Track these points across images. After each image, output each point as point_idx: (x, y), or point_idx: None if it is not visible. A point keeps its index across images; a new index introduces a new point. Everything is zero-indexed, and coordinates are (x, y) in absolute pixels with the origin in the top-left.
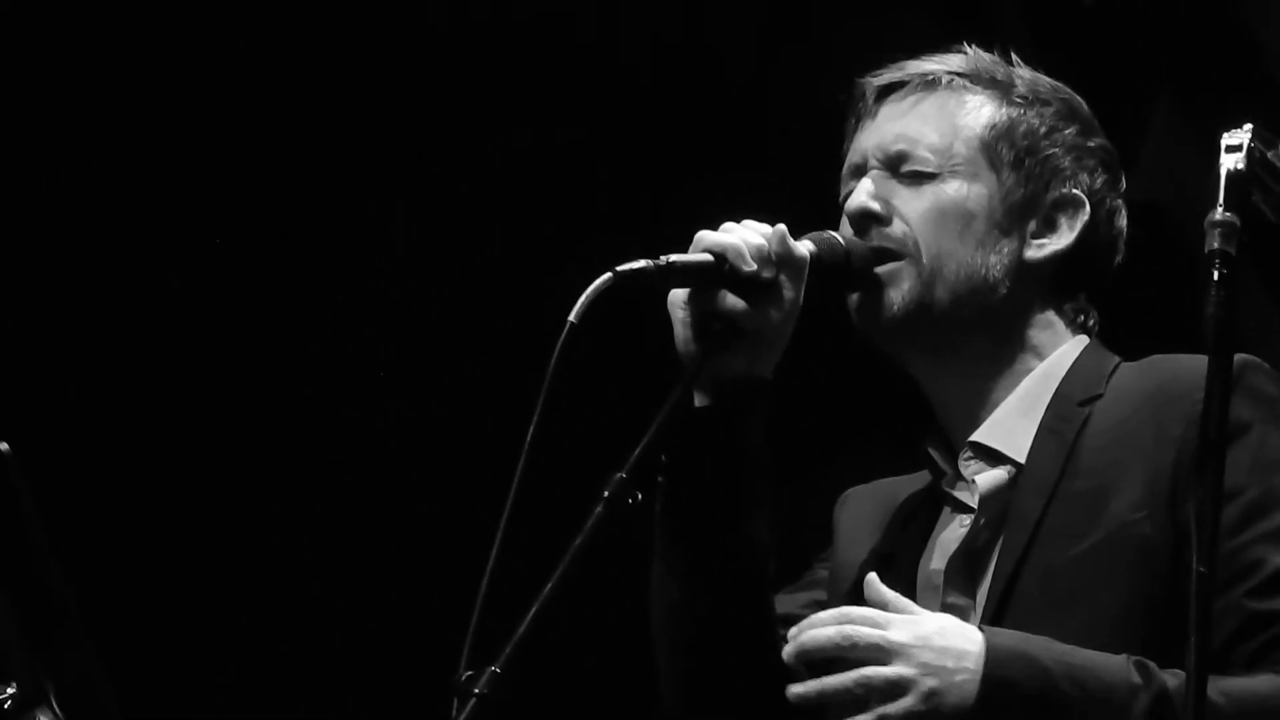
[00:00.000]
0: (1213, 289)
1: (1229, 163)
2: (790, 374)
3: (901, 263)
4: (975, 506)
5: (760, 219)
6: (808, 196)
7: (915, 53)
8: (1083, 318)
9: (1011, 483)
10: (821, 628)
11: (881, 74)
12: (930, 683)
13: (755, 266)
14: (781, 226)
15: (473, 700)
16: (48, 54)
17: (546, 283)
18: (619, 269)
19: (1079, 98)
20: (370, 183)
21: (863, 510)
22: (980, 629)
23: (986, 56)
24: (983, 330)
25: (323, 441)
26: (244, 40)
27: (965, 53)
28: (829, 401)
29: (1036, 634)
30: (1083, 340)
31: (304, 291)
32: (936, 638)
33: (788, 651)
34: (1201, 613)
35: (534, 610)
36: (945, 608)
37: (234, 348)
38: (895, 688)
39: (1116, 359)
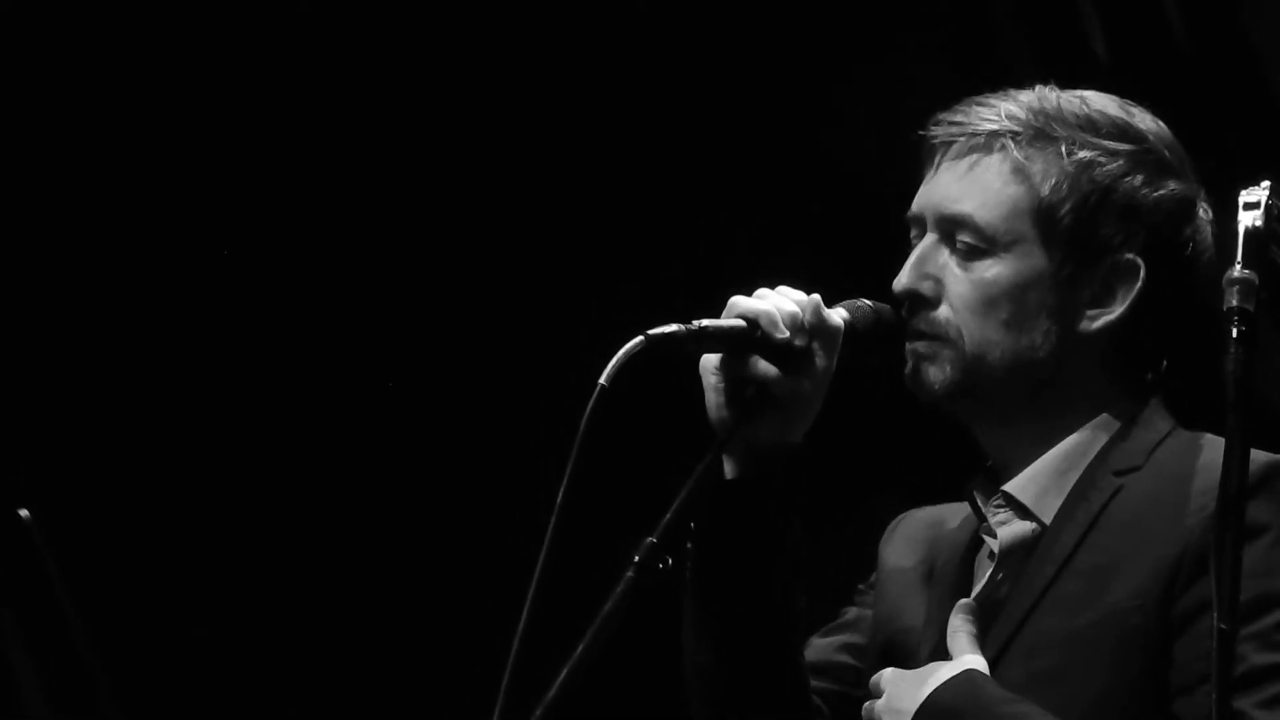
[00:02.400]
0: (1231, 346)
1: (1247, 220)
2: (838, 408)
3: (943, 345)
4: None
5: (795, 283)
6: (844, 256)
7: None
8: (1135, 380)
9: (1034, 542)
10: None
11: (948, 122)
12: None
13: (788, 334)
14: (816, 296)
15: None
16: (46, 57)
17: (584, 336)
18: (650, 332)
19: (1153, 127)
20: (409, 213)
21: (910, 544)
22: (938, 685)
23: (1053, 98)
24: (1025, 399)
25: (361, 495)
26: (253, 49)
27: (1031, 95)
28: (877, 438)
29: (1051, 651)
30: (1140, 405)
31: (357, 331)
32: (894, 695)
33: None
34: (1222, 670)
35: (564, 674)
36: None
37: (265, 367)
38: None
39: (1169, 427)
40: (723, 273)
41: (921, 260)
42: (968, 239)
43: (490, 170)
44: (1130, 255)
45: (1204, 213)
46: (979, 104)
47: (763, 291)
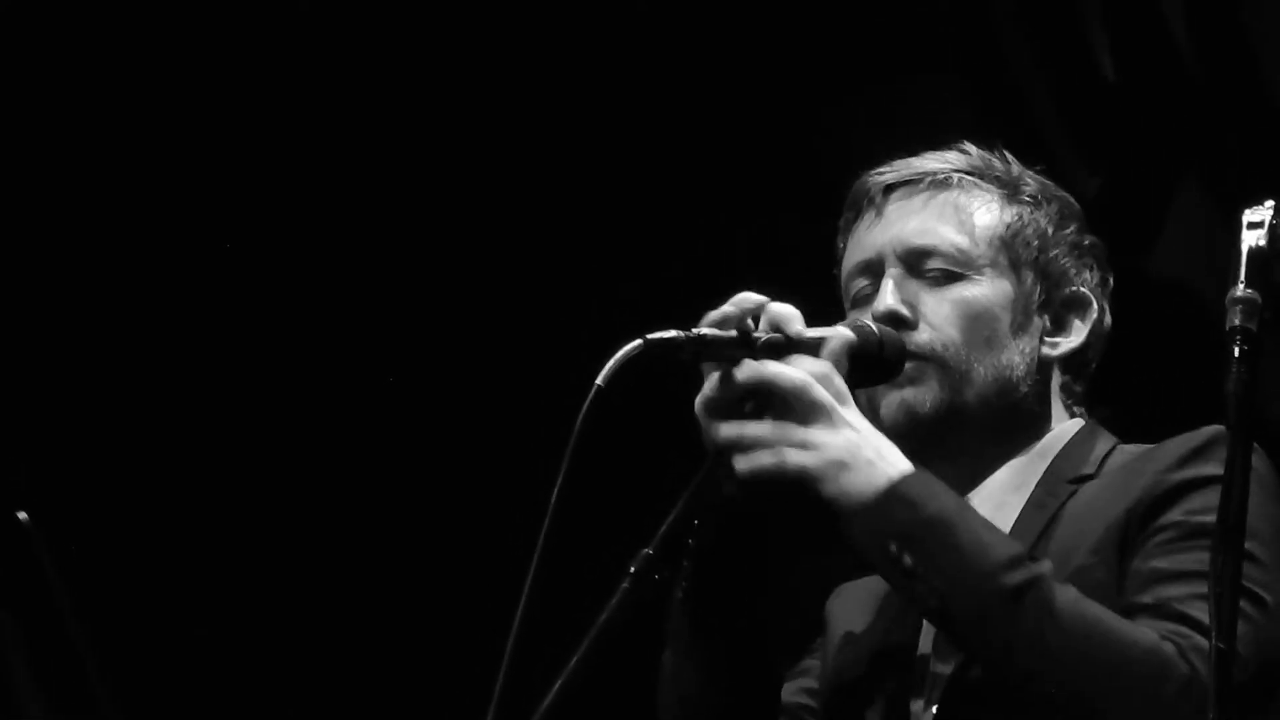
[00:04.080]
0: (1233, 365)
1: (1250, 239)
2: None
3: (929, 365)
4: None
5: (794, 290)
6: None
7: (931, 141)
8: (1075, 400)
9: None
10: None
11: (887, 172)
12: (843, 456)
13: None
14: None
15: None
16: (45, 57)
17: (584, 336)
18: (649, 336)
19: (1069, 195)
20: (409, 213)
21: (856, 597)
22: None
23: (985, 154)
24: (1000, 421)
25: (358, 495)
26: (252, 48)
27: (966, 152)
28: None
29: (993, 703)
30: (1079, 422)
31: (359, 339)
32: (874, 435)
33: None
34: (1220, 688)
35: (557, 687)
36: (931, 676)
37: (272, 375)
38: (809, 446)
39: (1114, 441)
40: (724, 274)
41: (897, 288)
42: (939, 265)
43: (490, 171)
44: (1083, 289)
45: (1111, 281)
46: (916, 158)
47: (776, 304)
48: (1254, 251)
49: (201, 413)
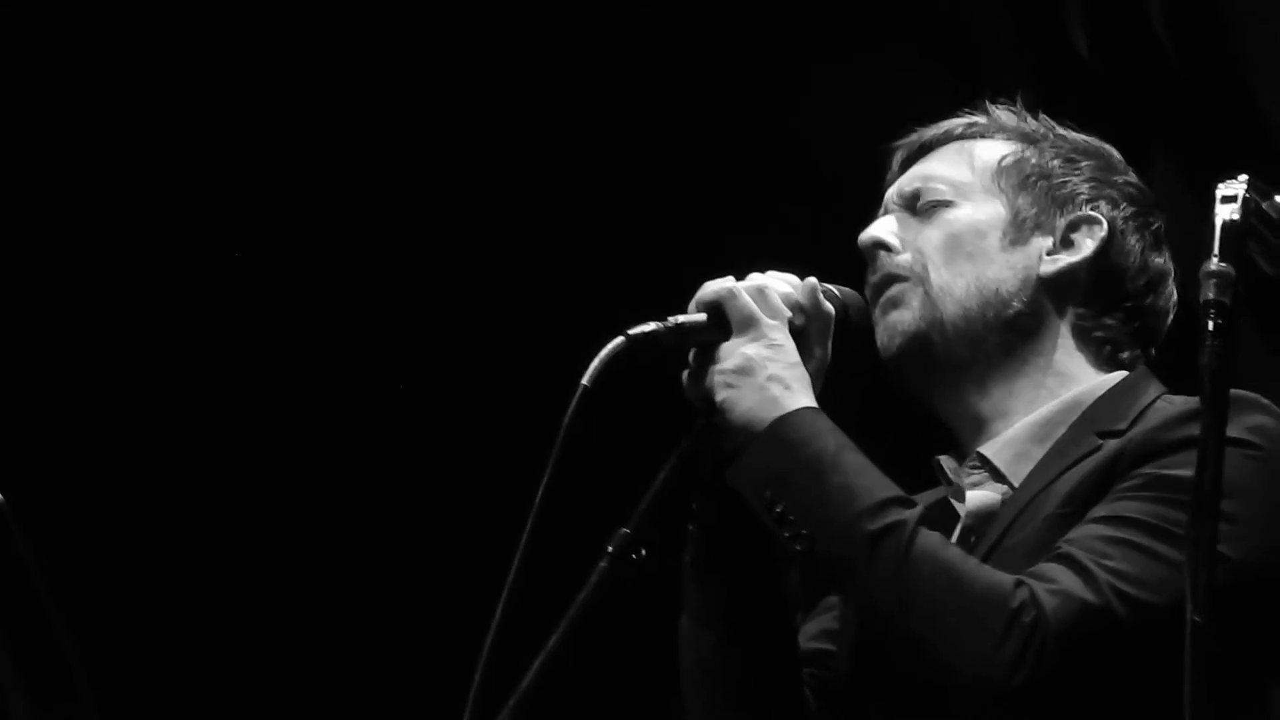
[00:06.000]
0: (1208, 339)
1: (1224, 213)
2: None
3: (908, 283)
4: (965, 519)
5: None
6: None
7: (918, 123)
8: (1115, 348)
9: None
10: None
11: (905, 139)
12: (743, 364)
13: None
14: (812, 280)
15: None
16: (42, 56)
17: (571, 335)
18: (630, 332)
19: (1108, 146)
20: (405, 213)
21: None
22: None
23: (1008, 110)
24: (997, 343)
25: (346, 491)
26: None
27: (988, 110)
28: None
29: None
30: (1122, 374)
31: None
32: (786, 355)
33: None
34: (1195, 661)
35: (537, 665)
36: None
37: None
38: (722, 357)
39: (1158, 392)
40: (709, 269)
41: (887, 220)
42: (929, 198)
43: (471, 168)
44: (1094, 212)
45: (1155, 221)
46: (945, 120)
47: (755, 275)
48: (1228, 225)
49: (175, 404)
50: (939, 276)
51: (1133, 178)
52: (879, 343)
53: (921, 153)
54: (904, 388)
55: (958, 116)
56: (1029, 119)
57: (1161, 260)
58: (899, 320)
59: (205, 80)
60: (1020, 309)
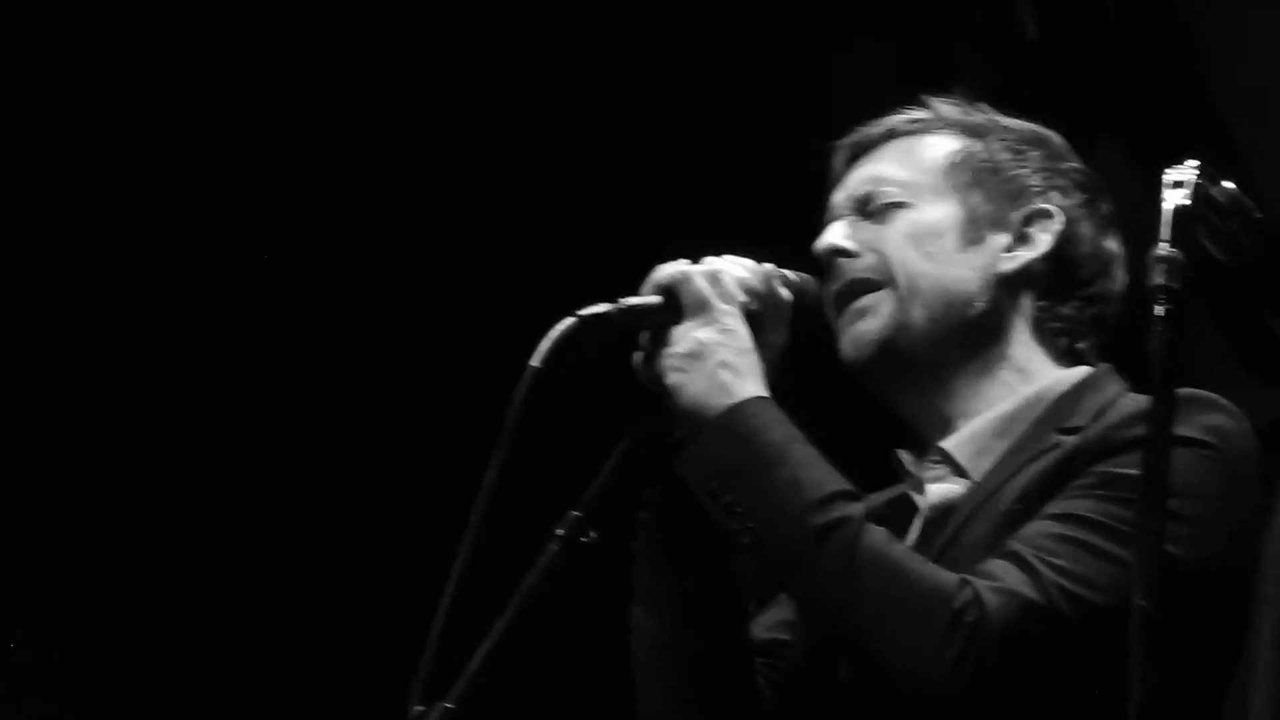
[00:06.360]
0: (1157, 324)
1: (1173, 198)
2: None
3: (878, 291)
4: (925, 512)
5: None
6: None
7: (873, 105)
8: (1073, 339)
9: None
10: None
11: (847, 138)
12: (695, 349)
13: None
14: (769, 266)
15: None
16: (40, 56)
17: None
18: (581, 313)
19: (1051, 131)
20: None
21: None
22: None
23: (949, 102)
24: (961, 343)
25: (283, 465)
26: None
27: (927, 104)
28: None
29: None
30: (1085, 370)
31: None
32: (739, 342)
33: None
34: (1146, 649)
35: (487, 646)
36: None
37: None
38: (674, 340)
39: (1119, 389)
40: (668, 253)
41: (840, 226)
42: (880, 201)
43: (425, 148)
44: (1047, 205)
45: (1105, 206)
46: (885, 116)
47: (711, 259)
48: (1178, 210)
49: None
50: (904, 279)
51: (1079, 163)
52: (843, 351)
53: (865, 151)
54: (866, 388)
55: (898, 113)
56: (971, 110)
57: (1112, 245)
58: (868, 330)
59: (187, 79)
60: (982, 308)
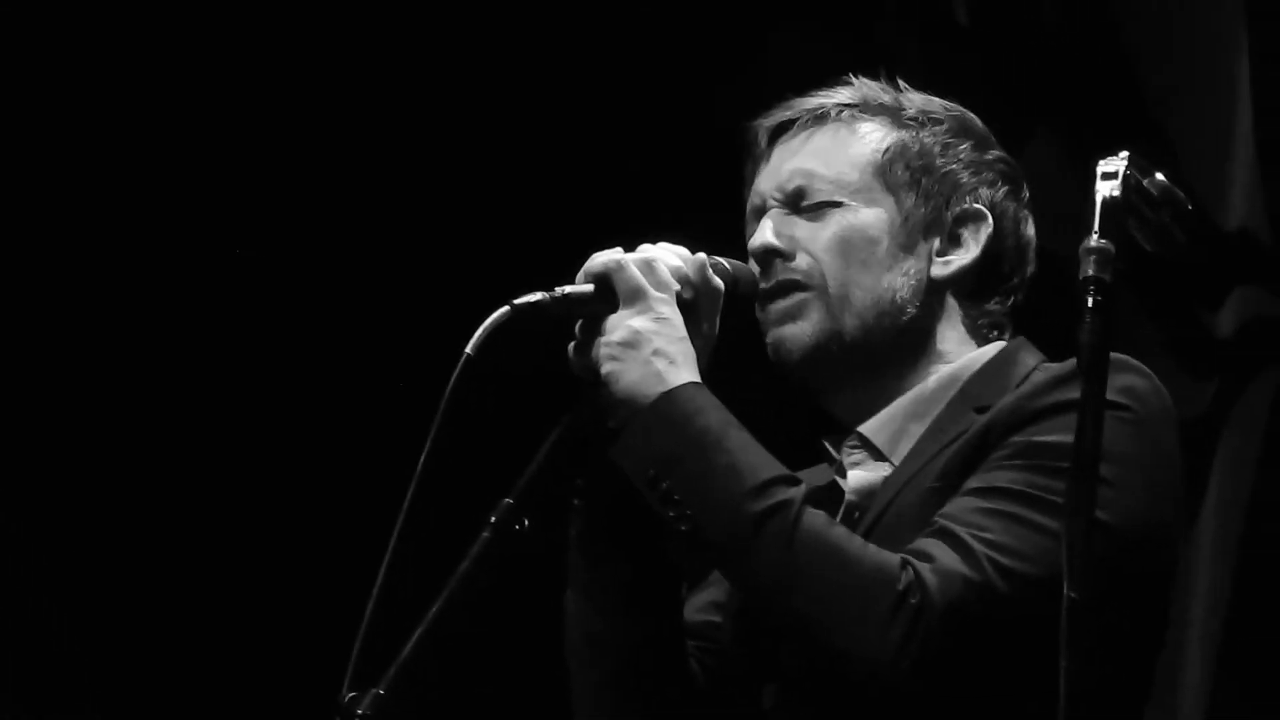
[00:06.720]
0: (1087, 315)
1: (1104, 189)
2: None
3: (809, 294)
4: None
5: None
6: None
7: (803, 88)
8: (994, 324)
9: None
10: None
11: (771, 115)
12: (630, 338)
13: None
14: (702, 255)
15: None
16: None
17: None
18: (515, 302)
19: (972, 115)
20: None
21: None
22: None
23: (874, 85)
24: (891, 345)
25: (220, 459)
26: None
27: (852, 84)
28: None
29: None
30: (998, 345)
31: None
32: (672, 330)
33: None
34: (1072, 637)
35: (418, 633)
36: None
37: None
38: (609, 329)
39: (1036, 362)
40: (611, 237)
41: (775, 223)
42: (813, 199)
43: (360, 132)
44: (978, 205)
45: (1025, 193)
46: (802, 97)
47: (645, 246)
48: (1108, 202)
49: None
50: (836, 280)
51: (1000, 150)
52: (770, 351)
53: (790, 129)
54: (789, 383)
55: (821, 91)
56: (898, 95)
57: (1031, 231)
58: (797, 334)
59: (179, 79)
60: (914, 313)
